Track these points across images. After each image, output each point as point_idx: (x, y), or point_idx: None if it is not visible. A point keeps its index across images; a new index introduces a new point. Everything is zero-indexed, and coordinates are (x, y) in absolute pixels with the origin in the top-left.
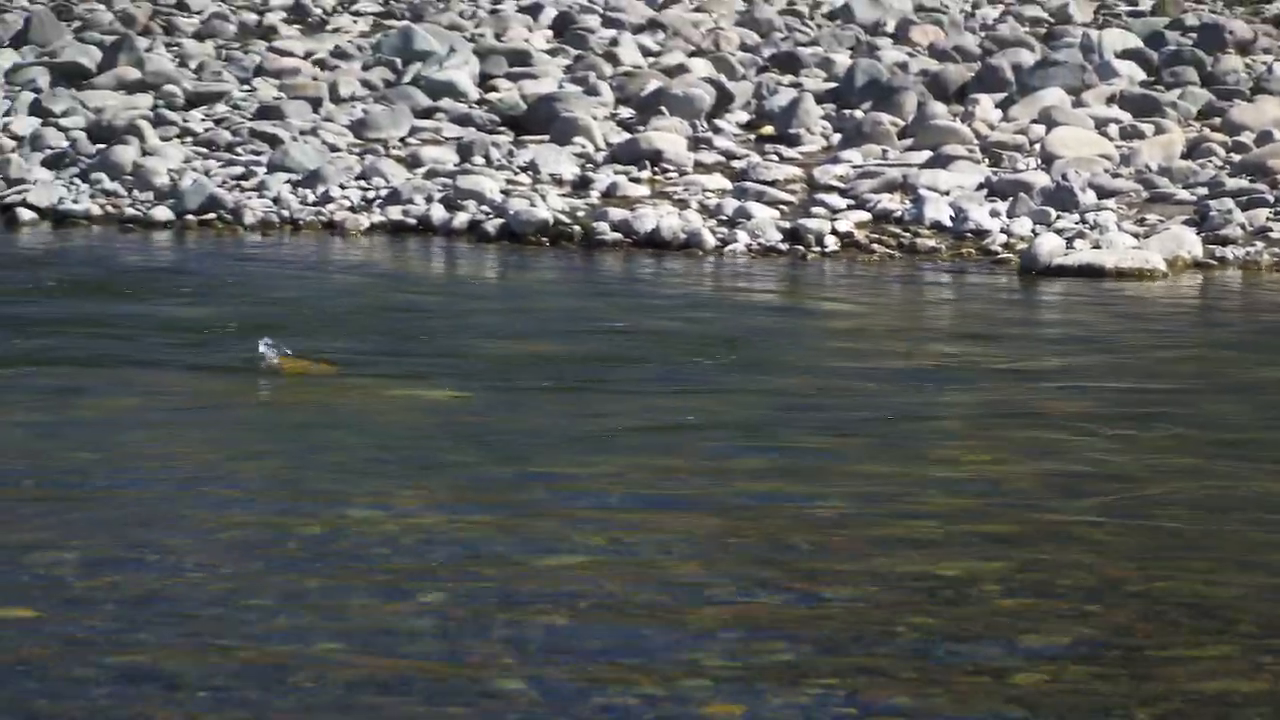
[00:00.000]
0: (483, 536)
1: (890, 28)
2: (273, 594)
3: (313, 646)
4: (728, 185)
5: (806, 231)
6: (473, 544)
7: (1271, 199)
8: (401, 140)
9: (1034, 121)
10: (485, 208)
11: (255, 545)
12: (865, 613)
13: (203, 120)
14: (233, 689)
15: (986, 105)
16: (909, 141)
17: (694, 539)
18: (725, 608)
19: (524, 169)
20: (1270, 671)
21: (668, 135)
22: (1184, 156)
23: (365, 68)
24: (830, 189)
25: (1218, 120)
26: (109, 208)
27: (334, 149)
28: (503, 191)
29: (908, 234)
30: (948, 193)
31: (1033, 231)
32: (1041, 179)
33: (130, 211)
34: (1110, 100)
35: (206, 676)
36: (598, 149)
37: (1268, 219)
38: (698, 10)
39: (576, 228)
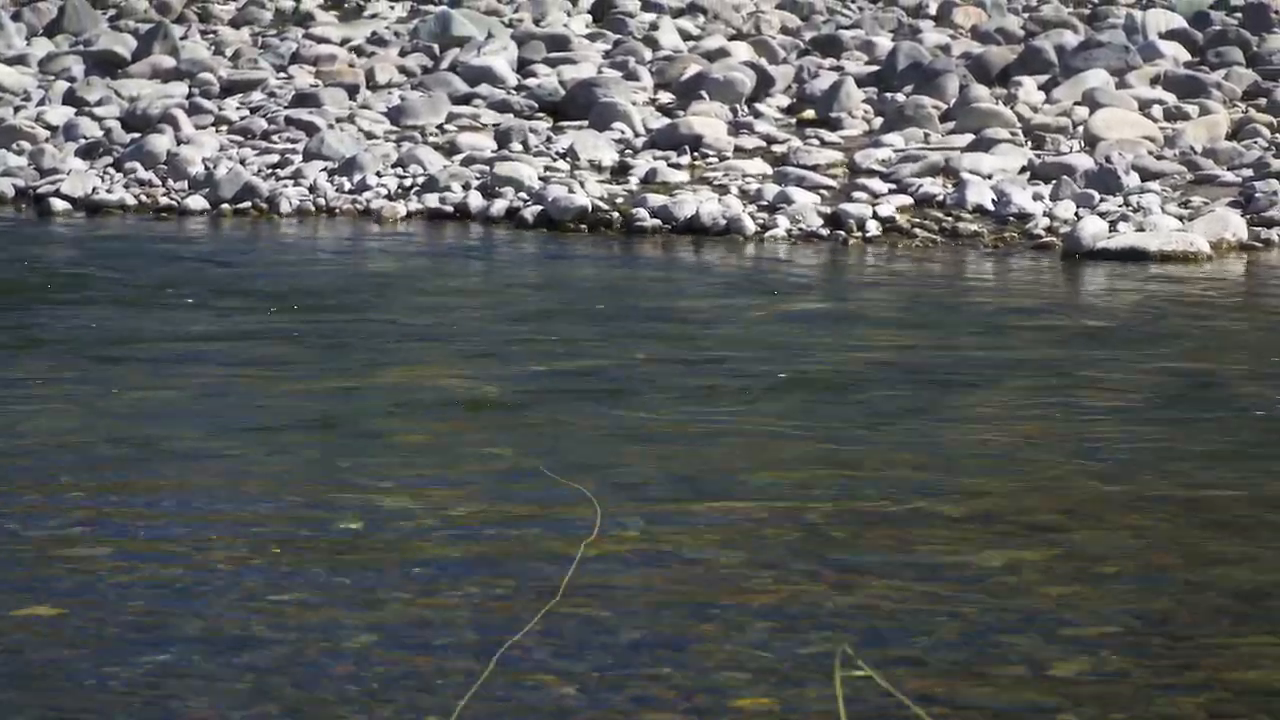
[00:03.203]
0: (517, 527)
1: (932, 10)
2: (307, 588)
3: (347, 641)
4: (768, 170)
5: (848, 216)
6: (507, 535)
7: None
8: (439, 127)
9: (1077, 103)
10: (523, 194)
11: (288, 539)
12: (904, 603)
13: (238, 108)
14: (267, 684)
15: (1029, 87)
16: (951, 125)
17: (731, 529)
18: (762, 598)
19: (562, 155)
20: None
21: (708, 120)
22: (1229, 138)
23: (402, 54)
24: (871, 173)
25: (1263, 101)
26: (143, 197)
27: (371, 136)
28: (541, 178)
29: (949, 218)
30: (990, 176)
31: (1076, 215)
32: (1085, 161)
33: (164, 201)
34: (1154, 81)
35: (239, 672)
36: (637, 134)
37: None
38: None
39: (615, 214)
